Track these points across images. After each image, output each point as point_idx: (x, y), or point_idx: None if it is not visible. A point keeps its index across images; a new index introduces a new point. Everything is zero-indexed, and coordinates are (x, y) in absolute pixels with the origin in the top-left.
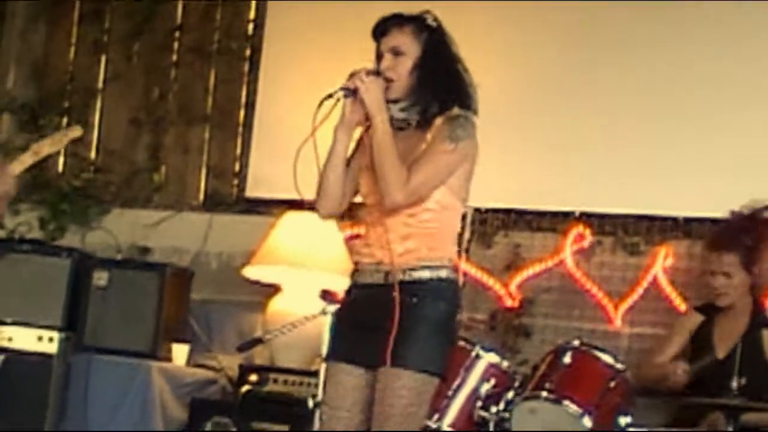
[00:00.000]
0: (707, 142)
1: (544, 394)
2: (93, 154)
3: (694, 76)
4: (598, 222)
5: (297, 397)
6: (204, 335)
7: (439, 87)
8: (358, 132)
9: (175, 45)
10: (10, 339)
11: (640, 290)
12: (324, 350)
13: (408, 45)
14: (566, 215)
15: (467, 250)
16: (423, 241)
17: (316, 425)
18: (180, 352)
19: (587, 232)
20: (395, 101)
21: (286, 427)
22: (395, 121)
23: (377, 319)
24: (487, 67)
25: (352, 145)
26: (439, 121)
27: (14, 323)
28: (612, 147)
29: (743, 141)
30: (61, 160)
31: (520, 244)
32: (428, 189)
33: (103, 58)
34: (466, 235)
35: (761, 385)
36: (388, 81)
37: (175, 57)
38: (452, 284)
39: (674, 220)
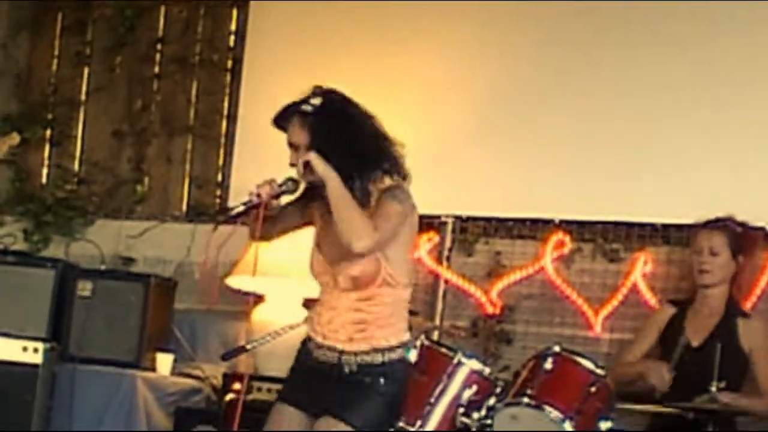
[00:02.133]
0: (686, 149)
1: (526, 400)
2: (76, 166)
3: (672, 83)
4: (578, 229)
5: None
6: (188, 345)
7: (340, 161)
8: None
9: (158, 56)
10: None
11: (619, 296)
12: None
13: (299, 136)
14: (546, 222)
15: (448, 258)
16: (376, 325)
17: None
18: (164, 361)
19: (567, 239)
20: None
21: None
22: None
23: (330, 381)
24: (464, 77)
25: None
26: (380, 196)
27: None
28: (591, 154)
29: (723, 148)
30: (45, 171)
31: (501, 252)
32: (386, 242)
33: (86, 70)
34: (447, 243)
35: (737, 377)
36: (296, 182)
37: (157, 68)
38: (403, 364)
39: (653, 226)
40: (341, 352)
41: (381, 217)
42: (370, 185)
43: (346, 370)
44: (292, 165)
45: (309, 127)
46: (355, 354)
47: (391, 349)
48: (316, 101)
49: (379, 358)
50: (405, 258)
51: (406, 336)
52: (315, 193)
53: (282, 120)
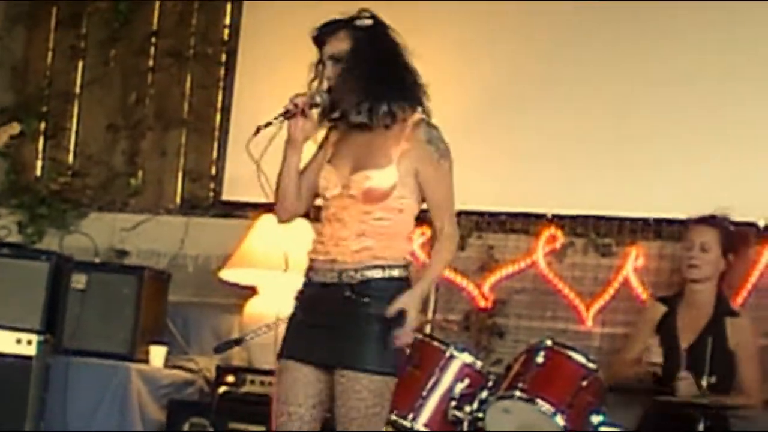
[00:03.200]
0: (678, 144)
1: (518, 393)
2: (71, 159)
3: (666, 78)
4: (570, 223)
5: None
6: (181, 337)
7: (381, 88)
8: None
9: (152, 50)
10: None
11: (611, 291)
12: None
13: (343, 49)
14: (539, 217)
15: None
16: (378, 239)
17: (274, 425)
18: (157, 353)
19: (559, 233)
20: (332, 107)
21: (262, 428)
22: (356, 125)
23: (331, 318)
24: (458, 72)
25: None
26: (414, 130)
27: None
28: (584, 149)
29: (715, 143)
30: (39, 164)
31: (494, 246)
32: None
33: (81, 63)
34: None
35: (725, 374)
36: (330, 92)
37: (151, 62)
38: (404, 282)
39: (645, 221)
40: (342, 271)
41: (440, 185)
42: (396, 109)
43: (347, 293)
44: (327, 81)
45: (355, 41)
46: (355, 269)
47: (391, 266)
48: (368, 21)
49: (379, 274)
50: (418, 188)
51: (407, 258)
52: (336, 114)
53: (326, 33)
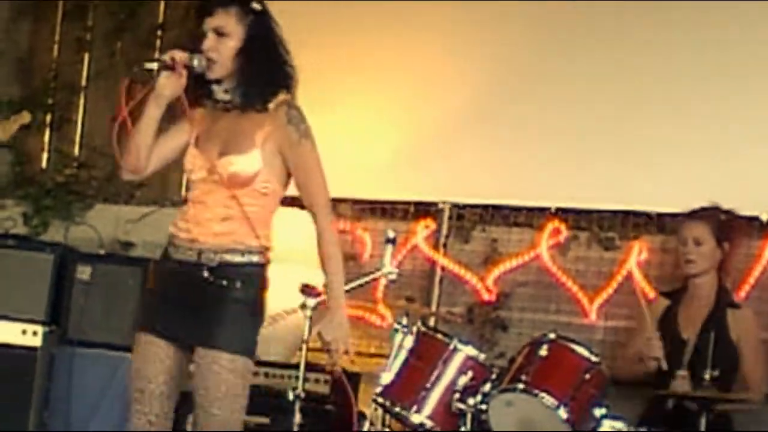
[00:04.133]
0: (682, 138)
1: (521, 386)
2: (76, 150)
3: (670, 71)
4: (574, 217)
5: (277, 389)
6: None
7: (263, 71)
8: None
9: (158, 43)
10: None
11: (614, 284)
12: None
13: (232, 26)
14: (542, 210)
15: (445, 245)
16: (241, 224)
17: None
18: None
19: (563, 227)
20: (218, 82)
21: (266, 419)
22: (219, 102)
23: (189, 297)
24: (461, 65)
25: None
26: (275, 111)
27: None
28: (587, 143)
29: (718, 137)
30: (45, 156)
31: (497, 239)
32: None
33: (86, 56)
34: (444, 230)
35: (728, 368)
36: (210, 61)
37: (157, 54)
38: (262, 268)
39: (648, 215)
40: (201, 251)
41: (305, 168)
42: (270, 95)
43: (205, 273)
44: (204, 53)
45: (248, 24)
46: (215, 252)
47: (251, 251)
48: (258, 5)
49: (238, 258)
50: (283, 172)
51: (267, 243)
52: (199, 92)
53: (217, 3)
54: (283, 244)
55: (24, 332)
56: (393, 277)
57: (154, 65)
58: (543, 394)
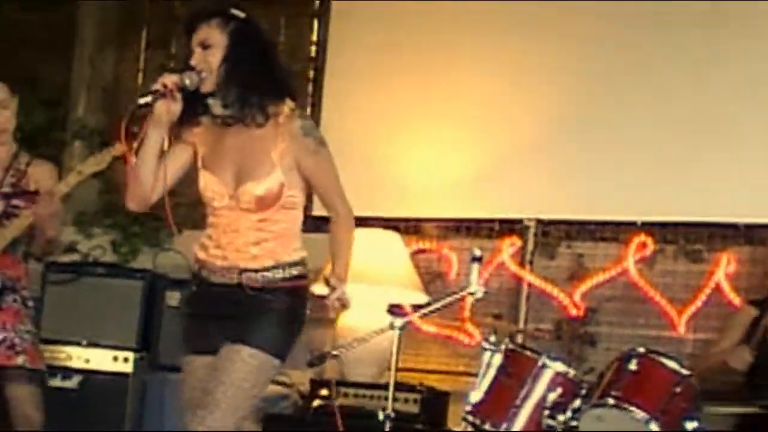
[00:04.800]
0: (766, 148)
1: (611, 401)
2: None
3: (752, 82)
4: (660, 230)
5: (368, 410)
6: None
7: (250, 76)
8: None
9: None
10: (86, 360)
11: (702, 297)
12: None
13: (216, 37)
14: (628, 225)
15: (531, 262)
16: (276, 242)
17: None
18: None
19: (649, 240)
20: (211, 95)
21: None
22: (219, 117)
23: (229, 311)
24: (547, 77)
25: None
26: (287, 124)
27: (90, 344)
28: (671, 155)
29: None
30: None
31: (583, 254)
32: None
33: None
34: (530, 246)
35: None
36: (201, 75)
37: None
38: (302, 280)
39: (735, 226)
40: (243, 271)
41: (323, 174)
42: (269, 105)
43: (248, 291)
44: (194, 69)
45: (230, 33)
46: (256, 271)
47: (291, 264)
48: (240, 13)
49: (280, 274)
50: (302, 181)
51: (303, 253)
52: (196, 109)
53: (199, 19)
54: (370, 266)
55: (115, 359)
56: (480, 295)
57: (149, 98)
58: (634, 409)
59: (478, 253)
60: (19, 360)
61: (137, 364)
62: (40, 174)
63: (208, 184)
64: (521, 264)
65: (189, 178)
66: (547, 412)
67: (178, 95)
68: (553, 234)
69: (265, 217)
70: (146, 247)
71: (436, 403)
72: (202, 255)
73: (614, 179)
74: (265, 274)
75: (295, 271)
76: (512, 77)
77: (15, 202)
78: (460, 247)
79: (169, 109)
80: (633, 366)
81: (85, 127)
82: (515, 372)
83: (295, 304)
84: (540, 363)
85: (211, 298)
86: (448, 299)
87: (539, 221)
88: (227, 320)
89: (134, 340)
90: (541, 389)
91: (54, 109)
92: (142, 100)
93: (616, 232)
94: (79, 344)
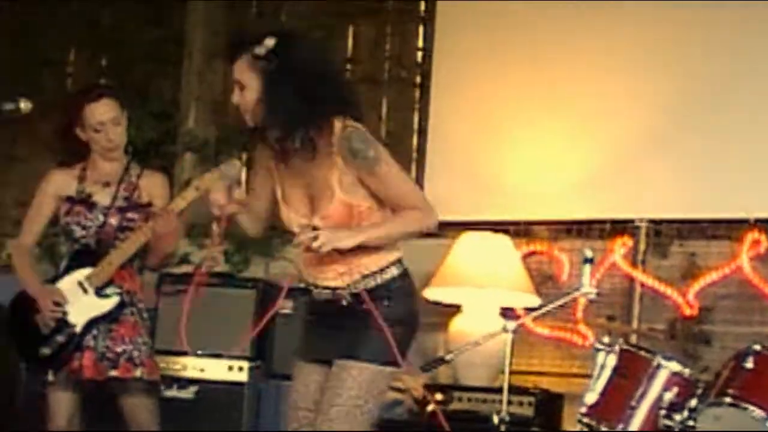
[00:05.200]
0: None
1: (728, 399)
2: None
3: None
4: None
5: (482, 413)
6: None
7: (289, 115)
8: None
9: (348, 76)
10: (202, 370)
11: None
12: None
13: (247, 77)
14: (741, 222)
15: (643, 262)
16: (362, 252)
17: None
18: None
19: (762, 237)
20: (255, 128)
21: None
22: (279, 153)
23: (331, 322)
24: (651, 78)
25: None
26: (339, 144)
27: (205, 355)
28: None
29: None
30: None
31: (696, 253)
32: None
33: None
34: (641, 246)
35: None
36: (241, 111)
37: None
38: (402, 278)
39: None
40: (335, 289)
41: (391, 185)
42: (315, 135)
43: (344, 302)
44: (236, 106)
45: (260, 72)
46: (348, 285)
47: (381, 270)
48: (270, 42)
49: (371, 283)
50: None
51: (394, 255)
52: (261, 141)
53: (233, 53)
54: (481, 270)
55: (230, 368)
56: (592, 296)
57: (222, 227)
58: (752, 407)
59: (589, 254)
60: (138, 372)
61: (252, 373)
62: (152, 185)
63: (286, 216)
64: (633, 264)
65: None
66: (663, 412)
67: (233, 191)
68: (665, 233)
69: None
70: (258, 257)
71: (550, 405)
72: (303, 276)
73: (725, 176)
74: (356, 286)
75: (387, 276)
76: (620, 77)
77: (130, 215)
78: (571, 248)
79: (235, 205)
80: (749, 364)
81: (195, 139)
82: (630, 372)
83: (399, 306)
84: (655, 363)
85: (314, 310)
86: (561, 301)
87: (650, 221)
88: (332, 331)
89: (248, 349)
90: (656, 389)
91: (165, 123)
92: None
93: (728, 229)
94: (195, 355)
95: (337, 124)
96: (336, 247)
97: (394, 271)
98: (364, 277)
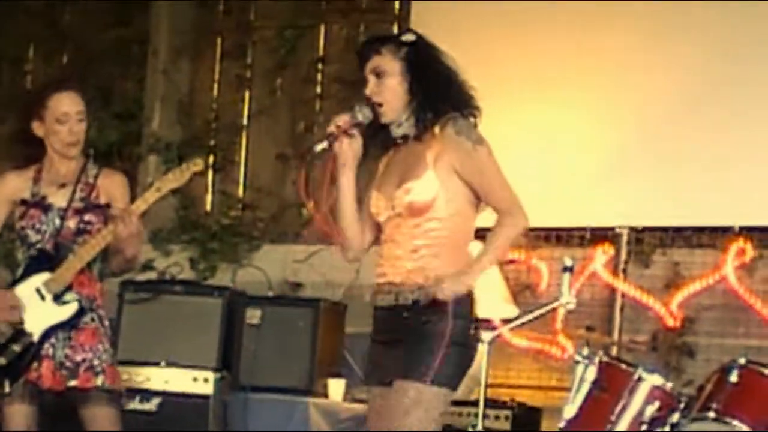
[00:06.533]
0: None
1: (711, 414)
2: (240, 191)
3: None
4: (759, 236)
5: (457, 427)
6: (359, 369)
7: (426, 101)
8: None
9: (319, 77)
10: (165, 381)
11: None
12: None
13: (388, 64)
14: (726, 230)
15: (624, 271)
16: (433, 253)
17: None
18: (336, 387)
19: (748, 246)
20: (390, 124)
21: None
22: (398, 139)
23: (393, 336)
24: (635, 89)
25: None
26: (442, 128)
27: (169, 365)
28: None
29: None
30: (209, 198)
31: (680, 262)
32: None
33: (247, 94)
34: (623, 255)
35: None
36: (377, 105)
37: (319, 89)
38: (466, 298)
39: None
40: (398, 293)
41: (487, 176)
42: (436, 124)
43: (405, 314)
44: (368, 99)
45: (403, 59)
46: (411, 291)
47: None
48: (411, 37)
49: (437, 293)
50: (465, 188)
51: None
52: (378, 139)
53: (371, 48)
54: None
55: (195, 380)
56: (572, 306)
57: (324, 144)
58: (736, 423)
59: (569, 262)
60: (98, 381)
61: (218, 385)
62: (110, 185)
63: (373, 201)
64: (614, 273)
65: (268, 188)
66: (644, 427)
67: (355, 132)
68: (648, 241)
69: (420, 223)
70: (225, 264)
71: (528, 419)
72: (375, 278)
73: (710, 183)
74: (419, 292)
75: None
76: (603, 81)
77: (88, 217)
78: (551, 256)
79: (350, 148)
80: (734, 378)
81: (160, 141)
82: (610, 386)
83: (460, 326)
84: (636, 376)
85: (378, 324)
86: (539, 311)
87: (632, 228)
88: (393, 348)
89: (214, 360)
90: (638, 403)
91: (128, 124)
92: (318, 147)
93: (713, 238)
94: (157, 365)
95: (448, 115)
96: (458, 291)
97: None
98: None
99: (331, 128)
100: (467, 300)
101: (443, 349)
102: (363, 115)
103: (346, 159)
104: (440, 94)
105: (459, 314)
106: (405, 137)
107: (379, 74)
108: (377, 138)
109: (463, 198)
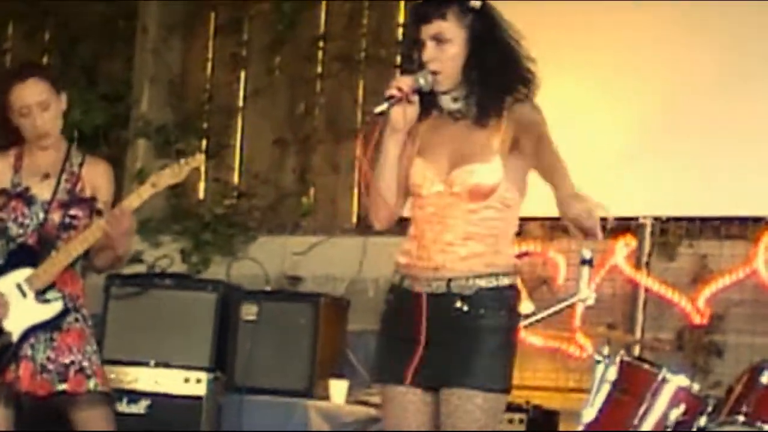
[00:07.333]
0: None
1: (741, 418)
2: (236, 179)
3: None
4: None
5: None
6: (364, 369)
7: (490, 76)
8: None
9: (320, 55)
10: (155, 382)
11: None
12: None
13: (452, 31)
14: (757, 220)
15: (648, 264)
16: (486, 243)
17: None
18: (338, 388)
19: None
20: (445, 92)
21: None
22: (449, 112)
23: (439, 333)
24: (659, 72)
25: None
26: (510, 115)
27: (158, 365)
28: None
29: None
30: (202, 186)
31: (707, 255)
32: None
33: (243, 73)
34: (646, 247)
35: None
36: (434, 73)
37: (320, 68)
38: (515, 291)
39: None
40: (450, 279)
41: (551, 152)
42: (505, 105)
43: (458, 303)
44: (426, 66)
45: (469, 25)
46: (467, 278)
47: (501, 274)
48: (477, 2)
49: (492, 282)
50: (521, 177)
51: (516, 265)
52: (426, 106)
53: (432, 10)
54: None
55: (186, 380)
56: (591, 302)
57: (384, 105)
58: (767, 427)
59: (588, 255)
60: (91, 384)
61: (211, 386)
62: (94, 175)
63: (419, 169)
64: (637, 267)
65: (265, 175)
66: None
67: (415, 98)
68: (673, 232)
69: (477, 209)
70: (218, 256)
71: (544, 422)
72: (404, 260)
73: (739, 171)
74: (476, 281)
75: (506, 280)
76: (627, 64)
77: (73, 211)
78: (568, 248)
79: (405, 114)
80: (765, 379)
81: (149, 124)
82: (632, 387)
83: (509, 320)
84: (660, 377)
85: (413, 314)
86: (556, 307)
87: (656, 218)
88: (440, 346)
89: (207, 359)
90: (661, 406)
91: (115, 106)
92: (377, 109)
93: (743, 229)
94: (146, 365)
95: (509, 98)
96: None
97: (512, 279)
98: (487, 274)
99: (392, 91)
100: (516, 291)
101: (500, 351)
102: (425, 80)
103: (398, 125)
104: (505, 73)
105: (509, 307)
106: (459, 113)
107: (440, 40)
108: (425, 105)
109: (518, 190)
